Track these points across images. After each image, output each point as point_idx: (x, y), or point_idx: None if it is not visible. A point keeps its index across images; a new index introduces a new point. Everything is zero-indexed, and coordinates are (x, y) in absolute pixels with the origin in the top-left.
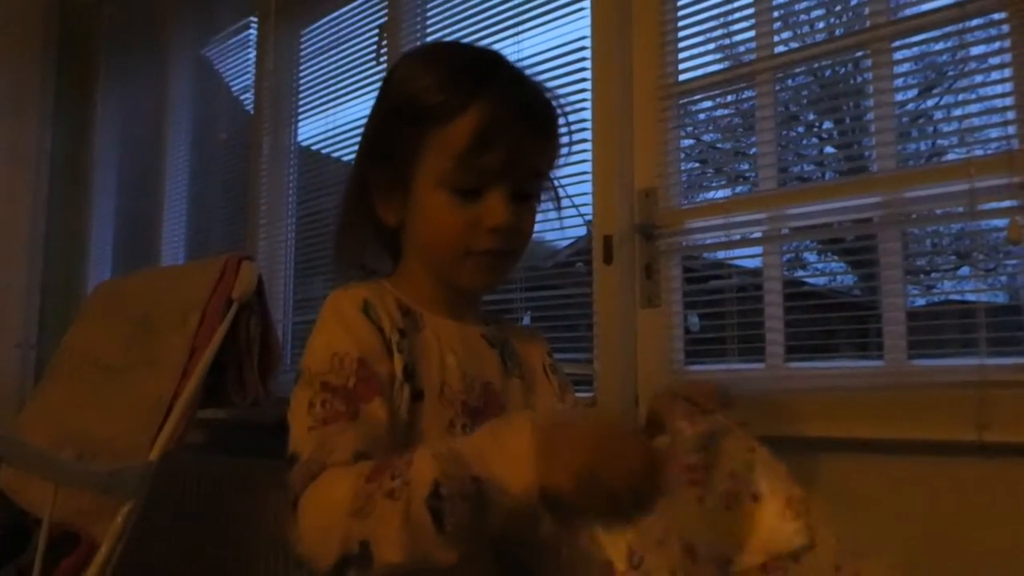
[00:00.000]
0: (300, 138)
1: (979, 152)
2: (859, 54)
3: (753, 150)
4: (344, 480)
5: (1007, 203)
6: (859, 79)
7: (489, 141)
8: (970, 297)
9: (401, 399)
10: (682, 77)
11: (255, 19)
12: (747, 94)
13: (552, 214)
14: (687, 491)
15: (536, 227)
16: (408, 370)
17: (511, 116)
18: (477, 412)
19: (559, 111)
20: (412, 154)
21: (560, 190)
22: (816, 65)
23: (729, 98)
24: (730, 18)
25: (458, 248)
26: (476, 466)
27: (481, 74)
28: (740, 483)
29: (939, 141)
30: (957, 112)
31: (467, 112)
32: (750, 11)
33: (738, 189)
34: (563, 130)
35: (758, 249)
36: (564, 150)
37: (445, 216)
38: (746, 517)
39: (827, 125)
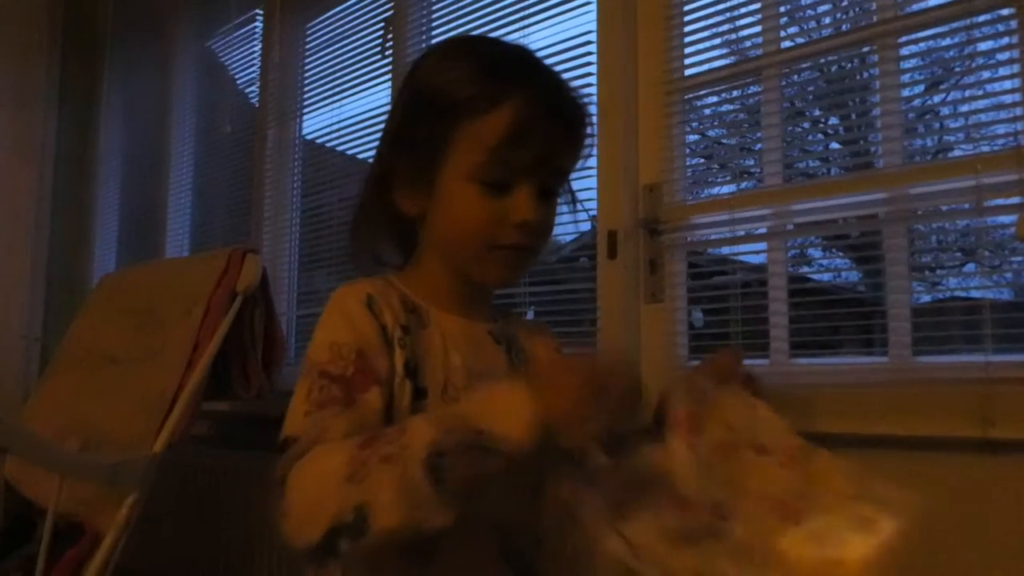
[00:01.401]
0: (305, 131)
1: (986, 148)
2: (865, 49)
3: (758, 146)
4: (337, 451)
5: (1014, 199)
6: (865, 75)
7: (523, 137)
8: (975, 294)
9: (403, 394)
10: (687, 72)
11: (260, 12)
12: (752, 89)
13: (564, 208)
14: (677, 441)
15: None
16: (409, 366)
17: (546, 113)
18: None
19: (587, 111)
20: (440, 145)
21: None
22: (822, 60)
23: (734, 93)
24: (736, 13)
25: (482, 241)
26: (476, 419)
27: (516, 69)
28: (739, 435)
29: (945, 137)
30: (964, 108)
31: (502, 106)
32: (756, 6)
33: (743, 185)
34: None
35: (762, 245)
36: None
37: (472, 208)
38: (748, 468)
39: (833, 121)
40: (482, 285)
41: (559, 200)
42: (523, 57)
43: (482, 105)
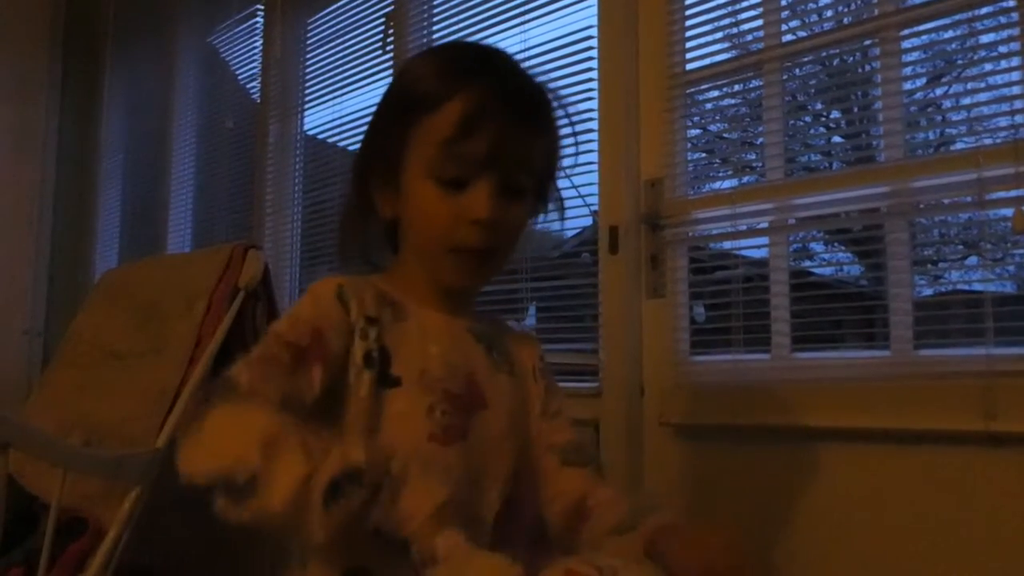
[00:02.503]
0: (306, 127)
1: (988, 141)
2: (867, 43)
3: (760, 140)
4: (268, 414)
5: (1015, 192)
6: (867, 68)
7: (473, 128)
8: (977, 287)
9: (360, 384)
10: (689, 66)
11: (262, 7)
12: (754, 83)
13: (552, 214)
14: None
15: (537, 219)
16: (371, 357)
17: (496, 103)
18: (457, 399)
19: (556, 105)
20: (402, 143)
21: (566, 180)
22: (824, 54)
23: (736, 87)
24: (737, 7)
25: (443, 242)
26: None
27: (471, 64)
28: None
29: (947, 130)
30: (966, 101)
31: (453, 99)
32: None
33: (745, 179)
34: (565, 126)
35: (764, 239)
36: (568, 148)
37: (431, 207)
38: None
39: (835, 115)
40: (448, 287)
41: (544, 202)
42: (483, 54)
43: (436, 99)
